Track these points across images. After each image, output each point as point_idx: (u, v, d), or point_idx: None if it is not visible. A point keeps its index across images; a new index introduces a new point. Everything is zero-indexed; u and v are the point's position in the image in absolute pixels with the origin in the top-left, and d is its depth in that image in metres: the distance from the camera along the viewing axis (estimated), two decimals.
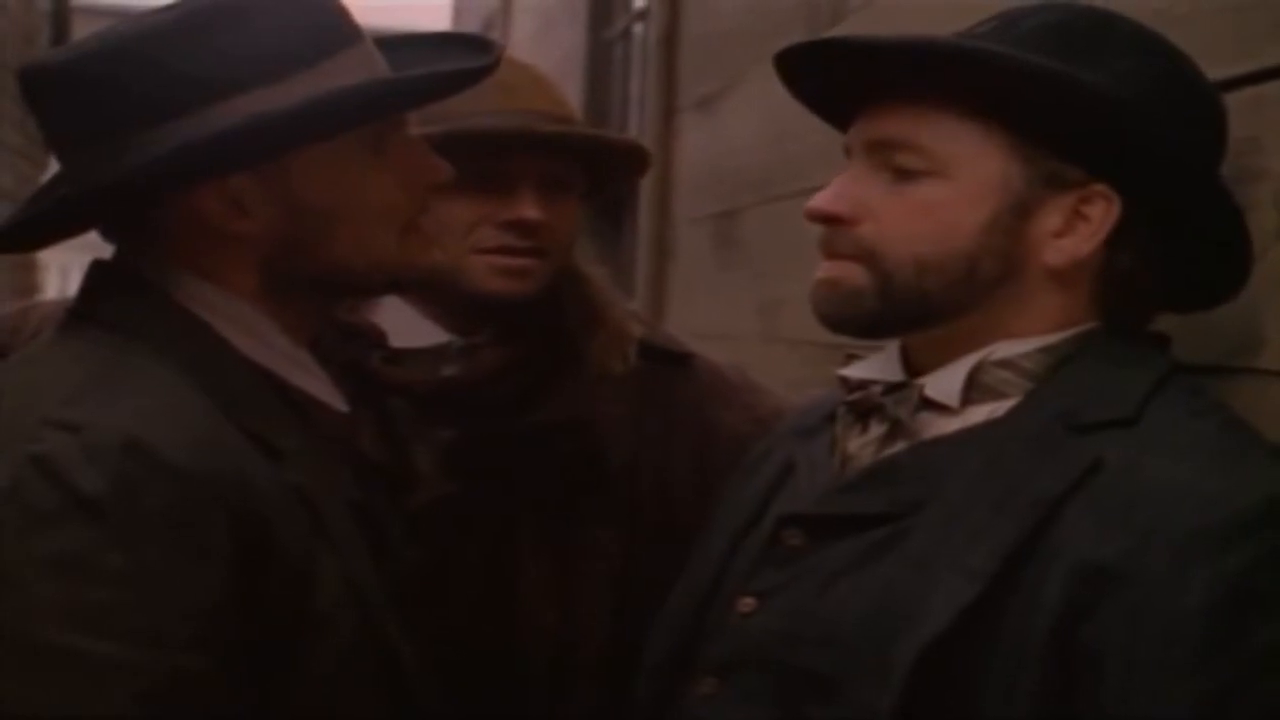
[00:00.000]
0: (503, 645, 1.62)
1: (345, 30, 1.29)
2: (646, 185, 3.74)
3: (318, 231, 1.28)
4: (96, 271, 1.30)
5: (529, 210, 1.60)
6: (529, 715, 1.62)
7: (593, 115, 5.07)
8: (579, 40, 5.29)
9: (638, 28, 4.83)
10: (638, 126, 4.55)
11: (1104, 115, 1.21)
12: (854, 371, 1.34)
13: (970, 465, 1.20)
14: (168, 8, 1.25)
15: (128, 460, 1.10)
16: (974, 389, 1.26)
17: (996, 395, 1.26)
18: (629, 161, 1.80)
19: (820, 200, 1.29)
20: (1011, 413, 1.24)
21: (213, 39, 1.22)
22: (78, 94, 1.23)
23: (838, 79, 1.32)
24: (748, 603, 1.30)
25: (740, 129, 3.14)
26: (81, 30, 8.98)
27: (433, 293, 1.64)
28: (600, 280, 1.76)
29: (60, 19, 7.52)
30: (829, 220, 1.29)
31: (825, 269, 1.30)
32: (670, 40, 3.72)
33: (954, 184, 1.25)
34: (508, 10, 7.21)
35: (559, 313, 1.69)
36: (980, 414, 1.26)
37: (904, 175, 1.26)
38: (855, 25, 2.48)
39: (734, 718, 1.27)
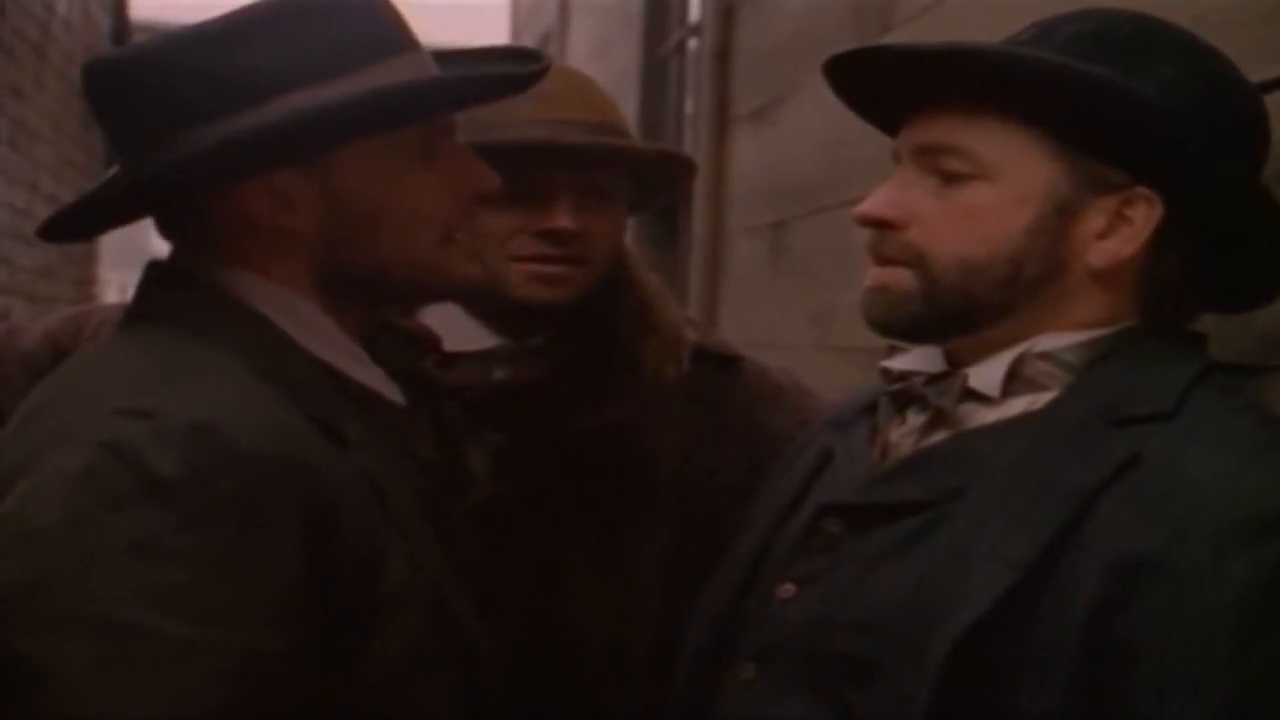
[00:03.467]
0: (552, 645, 1.64)
1: (400, 37, 1.32)
2: (700, 196, 3.77)
3: (362, 231, 1.29)
4: (153, 271, 1.33)
5: (563, 220, 1.63)
6: (578, 715, 1.64)
7: (648, 129, 5.11)
8: (634, 56, 5.32)
9: (692, 42, 4.86)
10: (692, 139, 4.58)
11: (1146, 120, 1.23)
12: (896, 363, 1.36)
13: (1008, 455, 1.22)
14: (228, 13, 1.28)
15: (199, 444, 1.12)
16: (1015, 380, 1.28)
17: (1036, 387, 1.28)
18: (668, 170, 1.81)
19: (869, 205, 1.32)
20: (1051, 405, 1.25)
21: (267, 40, 1.25)
22: (135, 90, 1.25)
23: (885, 86, 1.35)
24: (787, 589, 1.32)
25: (792, 140, 3.16)
26: None
27: (479, 300, 1.67)
28: (654, 286, 1.78)
29: (121, 37, 7.63)
30: (877, 224, 1.31)
31: (874, 275, 1.32)
32: (723, 54, 3.74)
33: (999, 187, 1.27)
34: (564, 27, 7.26)
35: (610, 318, 1.71)
36: (1020, 405, 1.27)
37: (950, 179, 1.28)
38: (904, 36, 2.50)
39: (774, 704, 1.29)
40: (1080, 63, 1.24)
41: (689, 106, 4.85)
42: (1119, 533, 1.12)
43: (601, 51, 6.10)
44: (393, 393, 1.36)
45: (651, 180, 1.79)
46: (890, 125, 1.38)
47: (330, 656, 1.16)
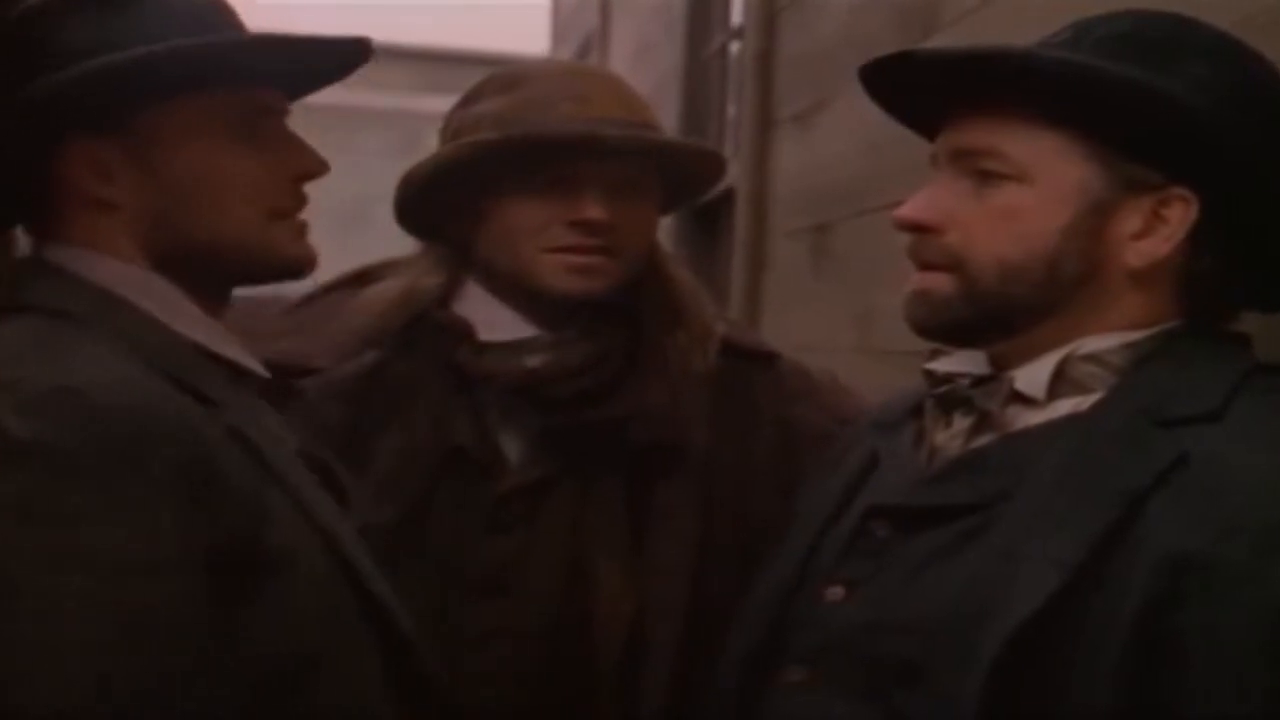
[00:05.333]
0: (580, 631, 1.66)
1: (220, 19, 1.36)
2: (742, 199, 3.78)
3: (180, 203, 1.32)
4: (19, 264, 1.36)
5: (593, 210, 1.67)
6: (602, 699, 1.65)
7: (690, 131, 5.11)
8: (677, 59, 5.33)
9: (734, 46, 4.87)
10: (733, 142, 4.58)
11: (1179, 120, 1.23)
12: (940, 365, 1.37)
13: (1056, 457, 1.23)
14: None
15: (61, 406, 1.15)
16: (1060, 382, 1.29)
17: (1082, 389, 1.28)
18: (700, 166, 1.84)
19: (908, 209, 1.33)
20: (1097, 406, 1.26)
21: (81, 17, 1.29)
22: None
23: (921, 91, 1.36)
24: (836, 592, 1.33)
25: (834, 143, 3.17)
26: None
27: (513, 290, 1.72)
28: (685, 281, 1.82)
29: None
30: (916, 228, 1.33)
31: (916, 280, 1.34)
32: (766, 57, 3.75)
33: (1035, 189, 1.28)
34: (606, 31, 7.27)
35: (638, 307, 1.75)
36: (1065, 407, 1.28)
37: (987, 182, 1.30)
38: (948, 39, 2.50)
39: (824, 706, 1.30)
40: (1110, 63, 1.25)
41: (731, 109, 4.85)
42: (1167, 532, 1.13)
43: (643, 54, 6.11)
44: (257, 366, 1.38)
45: (683, 178, 1.82)
46: (930, 129, 1.39)
47: (226, 602, 1.18)
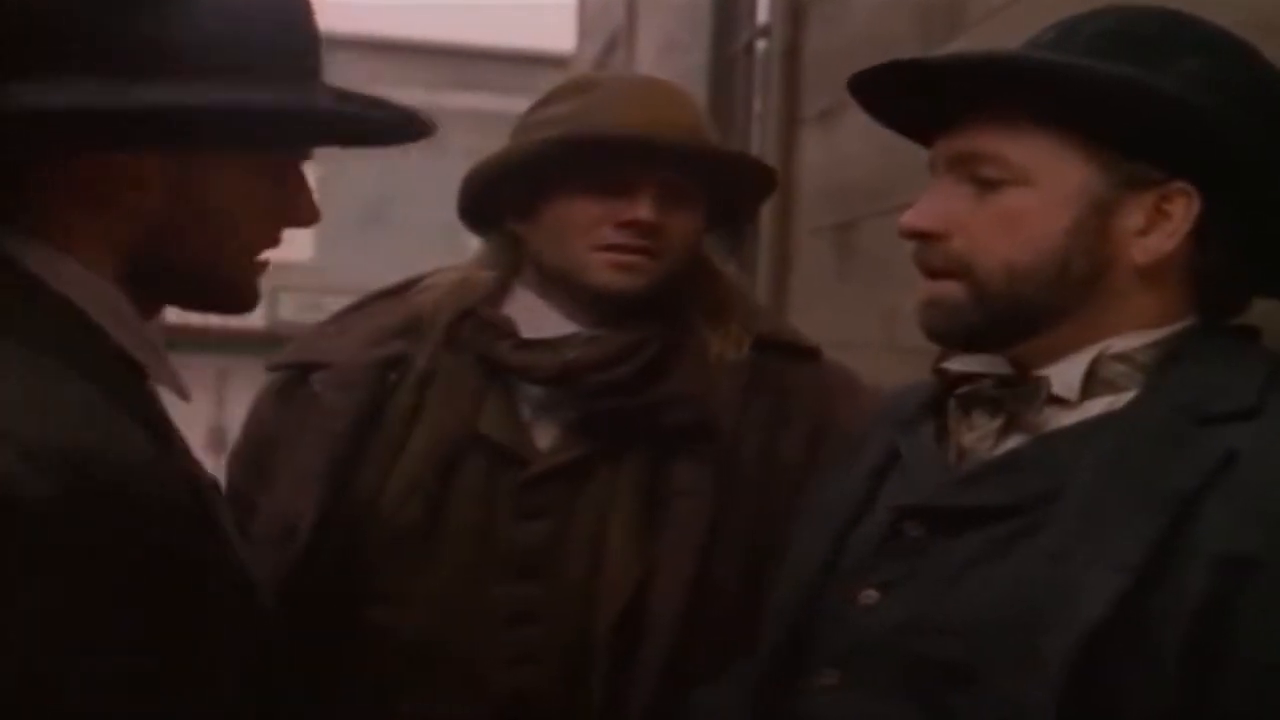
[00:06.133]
0: (582, 603, 1.70)
1: (312, 61, 1.32)
2: None
3: (199, 226, 1.28)
4: None
5: (644, 212, 1.74)
6: (599, 669, 1.69)
7: (716, 129, 5.12)
8: (702, 56, 5.33)
9: (760, 43, 4.87)
10: (759, 139, 4.59)
11: (1174, 116, 1.23)
12: (956, 364, 1.37)
13: (1097, 458, 1.22)
14: None
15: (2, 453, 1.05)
16: (1091, 382, 1.29)
17: (1113, 388, 1.28)
18: (752, 178, 1.91)
19: (911, 217, 1.33)
20: (1132, 406, 1.26)
21: (182, 9, 1.22)
22: (28, 24, 1.18)
23: (914, 99, 1.36)
24: (869, 594, 1.32)
25: (859, 141, 3.17)
26: None
27: (560, 286, 1.80)
28: (731, 282, 1.90)
29: None
30: (921, 236, 1.33)
31: (925, 289, 1.34)
32: (792, 55, 3.75)
33: (1036, 191, 1.28)
34: (632, 28, 7.28)
35: (680, 305, 1.81)
36: (1097, 407, 1.28)
37: (987, 186, 1.30)
38: (973, 38, 2.50)
39: (861, 709, 1.29)
40: (1100, 61, 1.25)
41: (756, 107, 4.85)
42: (1222, 533, 1.13)
43: (669, 51, 6.12)
44: (184, 390, 1.35)
45: (735, 189, 1.89)
46: (925, 136, 1.39)
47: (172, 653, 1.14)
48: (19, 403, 1.11)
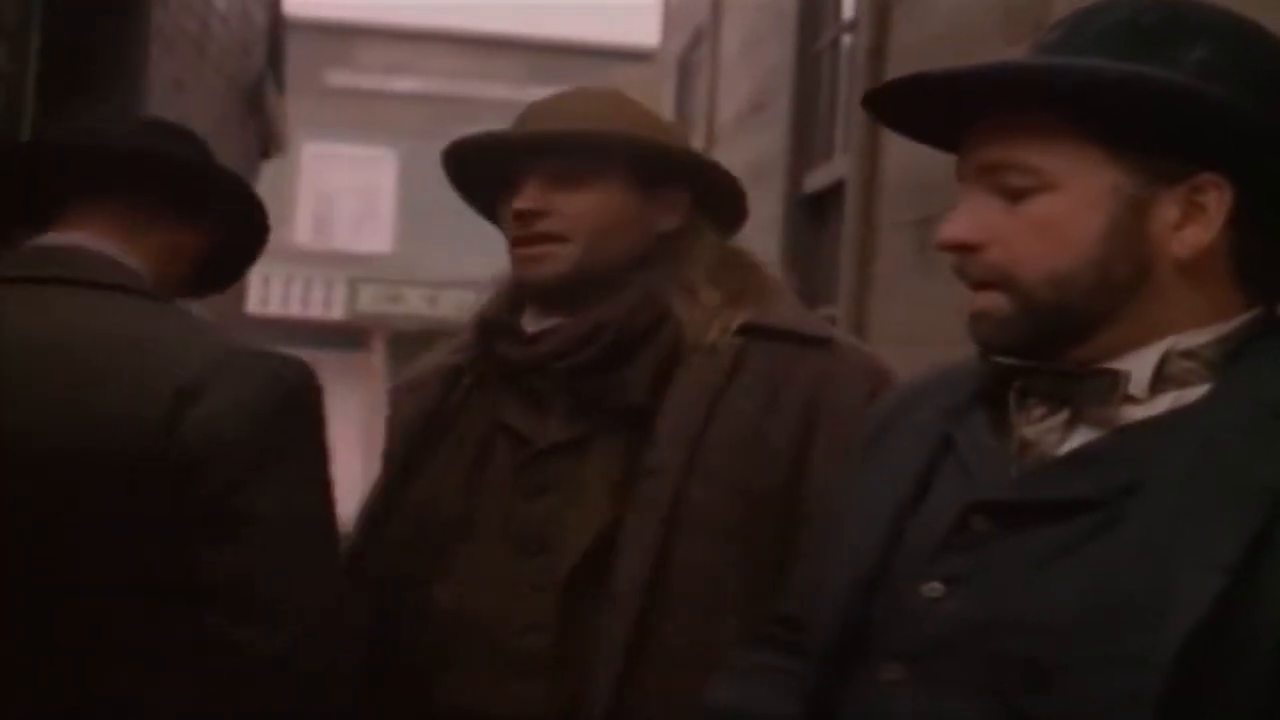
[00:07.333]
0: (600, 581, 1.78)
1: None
2: (851, 192, 3.79)
3: None
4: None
5: (521, 202, 1.83)
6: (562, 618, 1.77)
7: (800, 125, 5.12)
8: (788, 52, 5.33)
9: (846, 39, 4.87)
10: (844, 136, 4.58)
11: (1187, 108, 1.22)
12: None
13: (1180, 452, 1.21)
14: None
15: None
16: (1160, 378, 1.27)
17: (1179, 384, 1.27)
18: (657, 154, 1.89)
19: (947, 230, 1.33)
20: (1209, 400, 1.24)
21: None
22: None
23: (937, 109, 1.36)
24: (934, 588, 1.29)
25: None
26: (294, 43, 9.26)
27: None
28: (704, 261, 1.89)
29: (274, 33, 7.84)
30: (959, 248, 1.32)
31: (973, 302, 1.33)
32: (878, 51, 3.76)
33: (1066, 195, 1.27)
34: (716, 23, 7.28)
35: (644, 286, 1.85)
36: (1164, 403, 1.27)
37: (1017, 194, 1.28)
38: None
39: (930, 705, 1.27)
40: (1111, 60, 1.24)
41: (842, 103, 4.85)
42: None
43: (754, 47, 6.12)
44: None
45: (681, 175, 1.90)
46: (950, 145, 1.38)
47: None
48: (209, 326, 1.61)
